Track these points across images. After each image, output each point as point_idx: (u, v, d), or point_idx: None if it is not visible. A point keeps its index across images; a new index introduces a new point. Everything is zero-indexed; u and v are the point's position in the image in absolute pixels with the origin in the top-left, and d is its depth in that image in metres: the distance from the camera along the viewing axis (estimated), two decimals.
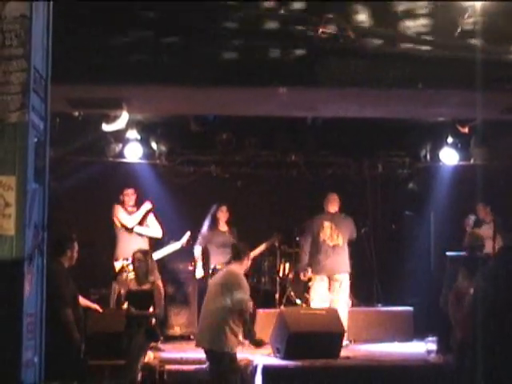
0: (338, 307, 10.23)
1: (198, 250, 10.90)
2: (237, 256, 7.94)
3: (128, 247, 10.20)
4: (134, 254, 8.60)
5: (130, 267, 9.89)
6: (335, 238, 10.56)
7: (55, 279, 7.10)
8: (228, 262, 8.48)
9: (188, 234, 10.55)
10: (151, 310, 8.39)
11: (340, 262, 10.51)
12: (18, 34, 4.29)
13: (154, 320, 8.34)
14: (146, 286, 8.31)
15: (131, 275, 9.53)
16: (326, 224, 10.60)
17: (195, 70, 7.91)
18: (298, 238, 11.76)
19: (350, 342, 10.47)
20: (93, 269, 10.45)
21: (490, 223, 10.88)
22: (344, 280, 10.50)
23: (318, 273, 10.53)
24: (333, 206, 10.73)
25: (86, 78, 7.82)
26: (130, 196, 10.53)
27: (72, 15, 6.67)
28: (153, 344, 8.84)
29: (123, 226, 10.42)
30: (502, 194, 11.04)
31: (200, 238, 10.95)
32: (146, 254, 8.79)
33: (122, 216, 10.45)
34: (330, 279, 10.49)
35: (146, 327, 8.15)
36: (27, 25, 4.30)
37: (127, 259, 10.07)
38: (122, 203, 10.56)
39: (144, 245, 10.26)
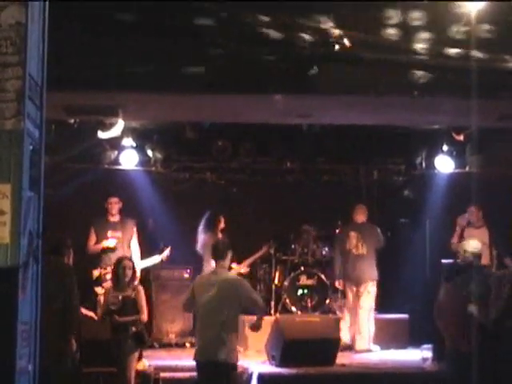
0: (360, 313, 10.69)
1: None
2: (220, 255, 7.35)
3: (107, 256, 10.32)
4: (120, 261, 8.56)
5: (108, 276, 9.93)
6: (360, 247, 10.94)
7: (71, 274, 7.23)
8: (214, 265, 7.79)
9: (169, 249, 10.50)
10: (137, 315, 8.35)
11: (365, 271, 10.89)
12: (13, 42, 4.27)
13: (139, 325, 8.28)
14: (128, 292, 8.28)
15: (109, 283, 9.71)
16: (352, 234, 11.01)
17: (191, 77, 7.91)
18: (293, 246, 11.77)
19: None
20: (87, 276, 10.42)
21: (479, 228, 10.89)
22: (368, 287, 10.83)
23: (347, 282, 10.99)
24: (359, 217, 11.15)
25: (82, 85, 7.81)
26: (113, 204, 10.55)
27: (68, 22, 6.68)
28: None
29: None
30: (497, 202, 11.04)
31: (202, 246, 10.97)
32: (132, 261, 8.78)
33: (89, 241, 10.51)
34: (356, 287, 10.87)
35: (133, 333, 8.11)
36: (23, 32, 4.29)
37: (106, 268, 10.13)
38: (106, 211, 10.58)
39: (124, 254, 10.26)
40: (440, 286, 7.85)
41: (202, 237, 10.84)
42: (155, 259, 10.46)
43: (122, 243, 10.42)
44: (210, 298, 7.10)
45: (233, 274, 7.75)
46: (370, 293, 10.83)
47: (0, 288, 4.06)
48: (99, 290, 10.14)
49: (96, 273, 10.26)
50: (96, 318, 8.99)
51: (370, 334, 10.77)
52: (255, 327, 7.40)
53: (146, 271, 10.77)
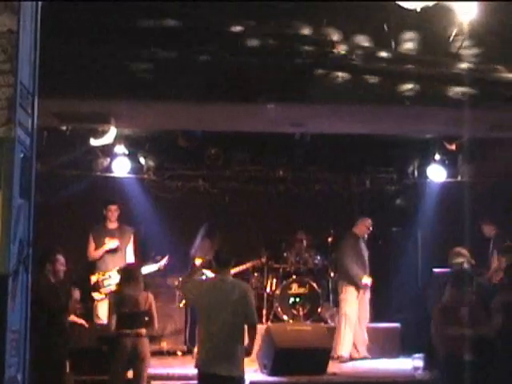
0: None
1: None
2: (224, 263, 7.04)
3: (104, 262, 10.39)
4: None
5: (106, 282, 9.97)
6: None
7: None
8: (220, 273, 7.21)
9: (166, 257, 10.46)
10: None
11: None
12: (4, 49, 4.27)
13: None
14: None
15: (107, 289, 9.91)
16: None
17: (183, 85, 7.91)
18: (285, 254, 11.77)
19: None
20: (78, 283, 10.40)
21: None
22: (342, 294, 10.97)
23: None
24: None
25: (74, 92, 7.81)
26: (113, 212, 10.60)
27: (60, 30, 6.68)
28: None
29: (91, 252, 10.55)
30: (489, 211, 11.07)
31: (197, 250, 10.95)
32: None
33: (90, 248, 10.54)
34: None
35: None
36: (14, 40, 4.29)
37: (103, 274, 10.18)
38: (105, 218, 10.60)
39: (121, 261, 10.28)
40: (438, 292, 7.82)
41: (199, 243, 10.87)
42: (152, 268, 10.43)
43: (120, 250, 10.46)
44: (219, 305, 6.80)
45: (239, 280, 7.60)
46: (343, 300, 10.90)
47: None
48: (96, 295, 10.18)
49: (94, 278, 10.28)
50: (86, 325, 8.94)
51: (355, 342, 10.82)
52: (248, 352, 6.97)
53: None
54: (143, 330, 7.92)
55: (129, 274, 8.25)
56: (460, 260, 7.62)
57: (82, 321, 8.77)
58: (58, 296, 7.67)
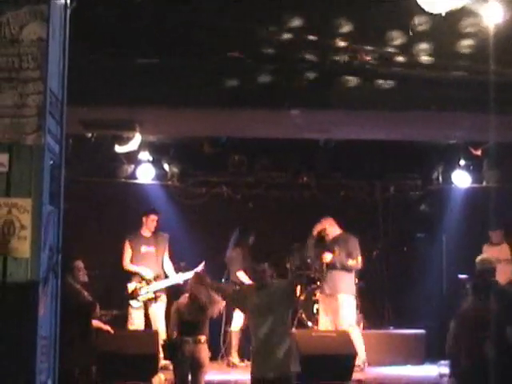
0: None
1: (242, 275, 10.88)
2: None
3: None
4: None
5: (143, 290, 10.05)
6: None
7: None
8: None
9: (203, 263, 10.44)
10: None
11: None
12: (34, 57, 4.31)
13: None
14: None
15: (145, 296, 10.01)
16: None
17: (208, 92, 7.94)
18: (309, 260, 11.73)
19: None
20: (104, 290, 10.44)
21: (498, 245, 10.84)
22: None
23: None
24: None
25: (99, 99, 7.85)
26: (153, 221, 10.59)
27: (86, 38, 6.72)
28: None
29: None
30: None
31: (233, 257, 11.00)
32: None
33: (125, 257, 10.50)
34: None
35: None
36: (44, 48, 4.33)
37: (140, 282, 10.19)
38: (141, 225, 10.60)
39: (158, 268, 10.30)
40: (465, 298, 7.74)
41: (230, 250, 10.88)
42: (189, 274, 10.42)
43: (155, 257, 10.47)
44: (266, 308, 7.07)
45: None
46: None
47: (20, 302, 4.07)
48: (134, 303, 10.19)
49: (131, 286, 10.28)
50: (112, 331, 8.96)
51: None
52: None
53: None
54: (203, 337, 8.05)
55: (199, 280, 8.39)
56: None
57: (107, 327, 8.78)
58: (82, 301, 7.72)
